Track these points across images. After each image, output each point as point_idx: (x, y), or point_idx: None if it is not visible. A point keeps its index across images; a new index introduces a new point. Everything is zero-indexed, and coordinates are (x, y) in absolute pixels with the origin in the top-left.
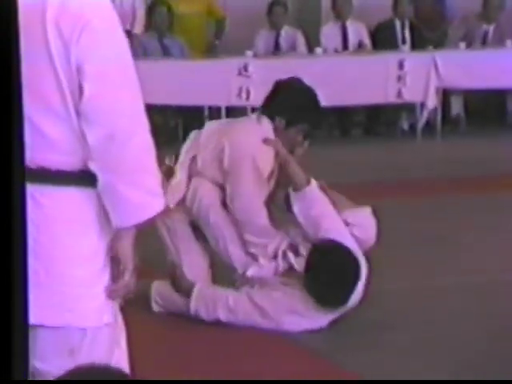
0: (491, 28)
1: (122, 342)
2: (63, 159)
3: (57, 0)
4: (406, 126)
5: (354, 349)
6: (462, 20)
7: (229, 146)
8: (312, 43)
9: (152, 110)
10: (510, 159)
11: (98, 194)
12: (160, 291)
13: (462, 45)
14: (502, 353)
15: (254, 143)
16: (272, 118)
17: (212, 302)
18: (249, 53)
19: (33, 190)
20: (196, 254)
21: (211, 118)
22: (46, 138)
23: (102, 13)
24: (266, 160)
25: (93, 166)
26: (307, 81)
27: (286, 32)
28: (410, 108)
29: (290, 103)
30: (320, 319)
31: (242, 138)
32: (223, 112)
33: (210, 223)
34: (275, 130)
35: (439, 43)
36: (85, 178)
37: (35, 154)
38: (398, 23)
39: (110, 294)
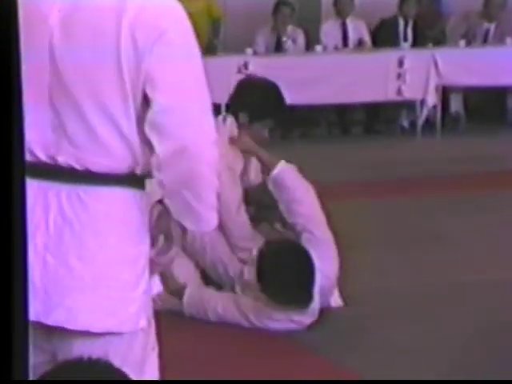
0: (492, 26)
1: (156, 348)
2: (109, 163)
3: (135, 6)
4: (406, 123)
5: (350, 346)
6: (463, 18)
7: None
8: (312, 41)
9: None
10: (509, 157)
11: (142, 196)
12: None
13: (462, 42)
14: (496, 351)
15: (221, 146)
16: (236, 115)
17: (202, 307)
18: (249, 50)
19: (79, 190)
20: (185, 256)
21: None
22: (98, 141)
23: (178, 25)
24: (235, 158)
25: (161, 177)
26: (307, 79)
27: (288, 31)
28: (409, 105)
29: (251, 99)
30: (298, 318)
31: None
32: (223, 109)
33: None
34: (240, 126)
35: (438, 41)
36: (132, 179)
37: (84, 155)
38: (401, 21)
39: (153, 267)
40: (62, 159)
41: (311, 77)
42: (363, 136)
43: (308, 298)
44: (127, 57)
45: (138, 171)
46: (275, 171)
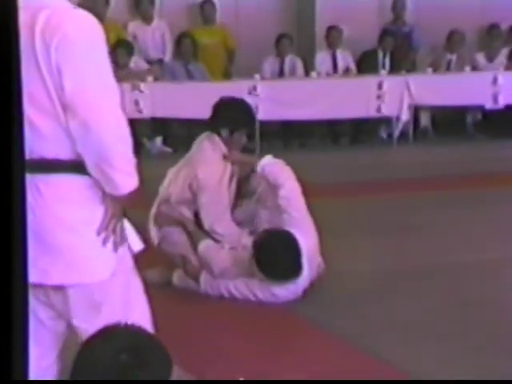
0: (454, 57)
1: (137, 293)
2: (53, 148)
3: (43, 17)
4: (384, 135)
5: (340, 317)
6: (430, 50)
7: (194, 175)
8: (308, 67)
9: (178, 123)
10: (468, 162)
11: (81, 178)
12: (178, 275)
13: (430, 70)
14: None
15: (216, 162)
16: (218, 130)
17: (217, 286)
18: (257, 76)
19: (35, 179)
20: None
21: None
22: (37, 130)
23: (80, 28)
24: (224, 169)
25: (77, 148)
26: (304, 99)
27: (289, 59)
28: (387, 121)
29: (229, 116)
30: (293, 288)
31: (202, 165)
32: None
33: None
34: (223, 138)
35: (410, 69)
36: (77, 166)
37: (32, 145)
38: (380, 53)
39: (104, 239)
40: (28, 154)
41: (308, 97)
42: (350, 145)
43: (298, 269)
44: (41, 57)
45: (79, 157)
46: (262, 162)
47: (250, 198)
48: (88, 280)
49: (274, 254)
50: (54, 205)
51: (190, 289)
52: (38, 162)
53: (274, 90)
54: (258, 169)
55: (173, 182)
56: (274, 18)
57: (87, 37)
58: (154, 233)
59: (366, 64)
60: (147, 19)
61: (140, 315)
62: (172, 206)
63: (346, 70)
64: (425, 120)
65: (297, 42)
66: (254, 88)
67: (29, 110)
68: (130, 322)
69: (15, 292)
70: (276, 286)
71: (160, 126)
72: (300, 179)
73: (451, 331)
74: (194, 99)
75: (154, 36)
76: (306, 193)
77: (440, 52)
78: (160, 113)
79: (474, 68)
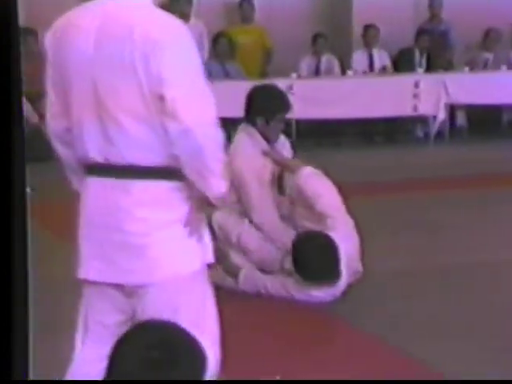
0: (490, 55)
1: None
2: (147, 155)
3: (141, 26)
4: (420, 134)
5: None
6: (467, 49)
7: (234, 170)
8: (344, 66)
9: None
10: (504, 160)
11: (178, 185)
12: (217, 272)
13: (466, 69)
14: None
15: (254, 158)
16: (254, 120)
17: (255, 284)
18: (293, 75)
19: (125, 183)
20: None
21: None
22: (131, 138)
23: (176, 36)
24: (264, 168)
25: (175, 152)
26: (340, 97)
27: (325, 58)
28: (423, 120)
29: (264, 104)
30: (332, 292)
31: (241, 160)
32: None
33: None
34: (259, 128)
35: (447, 67)
36: (166, 172)
37: (125, 152)
38: (417, 51)
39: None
40: (112, 158)
41: (344, 96)
42: (385, 144)
43: (337, 273)
44: (140, 66)
45: (172, 164)
46: (303, 172)
47: (283, 194)
48: (177, 271)
49: (313, 257)
50: (142, 207)
51: (227, 286)
52: (129, 168)
53: (310, 89)
54: (299, 181)
55: None
56: (311, 17)
57: (183, 44)
58: None
59: (402, 63)
60: (184, 18)
61: (212, 320)
62: None
63: (383, 69)
64: (461, 119)
65: (333, 41)
66: (291, 87)
67: (124, 118)
68: (204, 326)
69: (15, 292)
70: (312, 287)
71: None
72: (333, 178)
73: (479, 330)
74: (231, 98)
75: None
76: (342, 194)
77: (476, 50)
78: None
79: (510, 66)
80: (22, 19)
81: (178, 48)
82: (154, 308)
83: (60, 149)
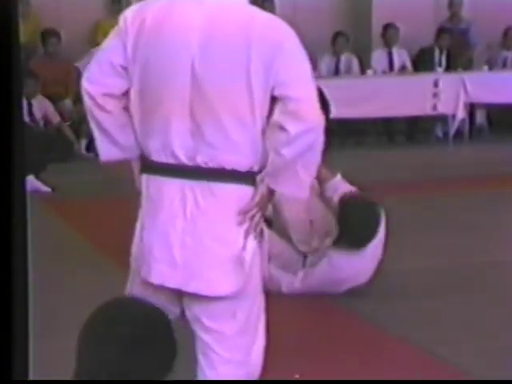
0: (510, 54)
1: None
2: (238, 159)
3: (258, 27)
4: (440, 133)
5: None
6: (487, 47)
7: None
8: (364, 66)
9: None
10: None
11: (252, 189)
12: None
13: (486, 68)
14: None
15: None
16: None
17: (277, 282)
18: (313, 74)
19: (211, 186)
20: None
21: None
22: (230, 140)
23: (290, 37)
24: None
25: (284, 151)
26: (360, 97)
27: (345, 57)
28: (443, 119)
29: None
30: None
31: None
32: None
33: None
34: None
35: (466, 66)
36: (250, 177)
37: (219, 153)
38: (437, 50)
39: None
40: (200, 159)
41: (363, 95)
42: (405, 143)
43: (371, 236)
44: (256, 68)
45: (256, 168)
46: (335, 180)
47: None
48: (227, 292)
49: (355, 217)
50: (230, 212)
51: None
52: (215, 171)
53: (329, 89)
54: (331, 187)
55: None
56: (331, 16)
57: (298, 45)
58: None
59: (422, 62)
60: None
61: (262, 325)
62: None
63: (402, 68)
64: (481, 118)
65: (353, 40)
66: None
67: (227, 120)
68: (260, 330)
69: (15, 292)
70: (342, 253)
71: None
72: (354, 177)
73: (504, 330)
74: None
75: None
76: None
77: (496, 49)
78: None
79: None
80: (46, 21)
81: (295, 49)
82: (212, 313)
83: (107, 122)
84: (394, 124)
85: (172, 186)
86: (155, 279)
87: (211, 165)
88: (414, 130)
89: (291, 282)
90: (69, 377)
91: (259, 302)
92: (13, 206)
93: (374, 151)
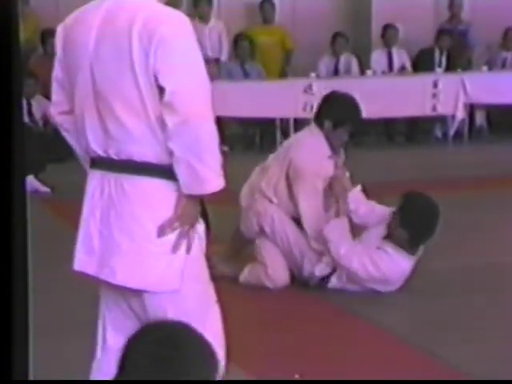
0: (509, 55)
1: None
2: (142, 150)
3: (140, 21)
4: (439, 134)
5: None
6: (486, 48)
7: (293, 161)
8: (363, 66)
9: (234, 122)
10: None
11: (169, 184)
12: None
13: (485, 68)
14: None
15: (313, 161)
16: (321, 121)
17: (336, 246)
18: (312, 75)
19: (122, 178)
20: (279, 257)
21: (282, 127)
22: (128, 132)
23: (176, 29)
24: (323, 175)
25: (171, 146)
26: (359, 97)
27: (344, 58)
28: (442, 119)
29: (335, 108)
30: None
31: (302, 155)
32: (291, 123)
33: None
34: (326, 131)
35: (466, 67)
36: (161, 170)
37: (122, 146)
38: (437, 51)
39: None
40: (112, 152)
41: (363, 96)
42: (405, 144)
43: (430, 234)
44: (138, 59)
45: (166, 161)
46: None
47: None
48: (155, 289)
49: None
50: (137, 205)
51: (256, 284)
52: (126, 163)
53: (328, 89)
54: (355, 200)
55: (265, 175)
56: (330, 16)
57: (183, 38)
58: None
59: (422, 62)
60: (204, 19)
61: (215, 325)
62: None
63: (402, 69)
64: (480, 119)
65: (353, 41)
66: (310, 87)
67: (121, 112)
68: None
69: (15, 292)
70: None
71: (216, 124)
72: (355, 177)
73: (503, 330)
74: (250, 98)
75: (210, 36)
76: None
77: (495, 50)
78: (216, 112)
79: None
80: (45, 21)
81: (177, 40)
82: (153, 315)
83: (68, 138)
84: (393, 124)
85: (94, 178)
86: (77, 265)
87: (122, 157)
88: (414, 130)
89: (352, 247)
90: (69, 377)
91: (199, 298)
92: (13, 206)
93: (373, 152)
